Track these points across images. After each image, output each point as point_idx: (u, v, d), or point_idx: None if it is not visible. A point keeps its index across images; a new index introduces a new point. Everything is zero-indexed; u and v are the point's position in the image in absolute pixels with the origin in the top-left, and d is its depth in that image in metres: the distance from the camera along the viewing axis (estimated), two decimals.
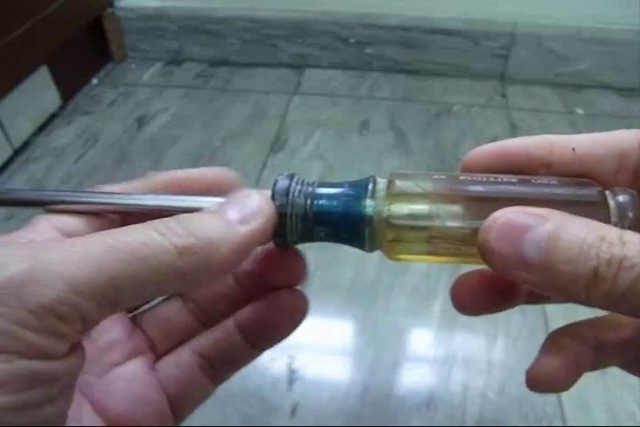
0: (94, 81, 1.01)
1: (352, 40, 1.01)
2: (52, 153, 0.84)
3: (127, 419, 0.21)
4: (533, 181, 0.20)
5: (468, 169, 0.22)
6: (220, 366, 0.23)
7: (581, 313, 0.21)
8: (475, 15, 0.97)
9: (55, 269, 0.14)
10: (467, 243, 0.19)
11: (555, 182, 0.20)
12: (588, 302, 0.16)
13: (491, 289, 0.22)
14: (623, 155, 0.20)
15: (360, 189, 0.20)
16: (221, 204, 0.19)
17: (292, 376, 0.55)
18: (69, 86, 0.95)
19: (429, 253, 0.20)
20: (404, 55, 1.01)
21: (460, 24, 0.97)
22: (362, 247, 0.21)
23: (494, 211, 0.18)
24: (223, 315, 0.23)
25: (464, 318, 0.50)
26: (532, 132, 0.21)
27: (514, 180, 0.20)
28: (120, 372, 0.21)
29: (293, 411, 0.53)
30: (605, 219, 0.18)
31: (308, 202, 0.20)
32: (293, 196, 0.20)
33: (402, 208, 0.20)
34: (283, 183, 0.21)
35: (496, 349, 0.58)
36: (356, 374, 0.56)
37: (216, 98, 0.96)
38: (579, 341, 0.22)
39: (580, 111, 0.93)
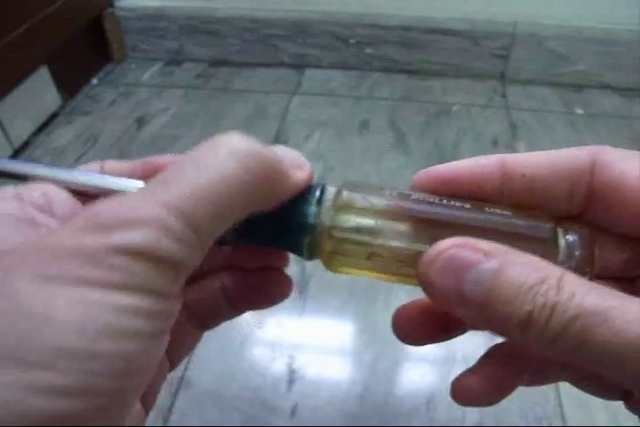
0: (94, 81, 1.01)
1: (352, 40, 1.01)
2: (52, 153, 0.84)
3: None
4: (487, 208, 0.20)
5: (417, 189, 0.21)
6: (205, 319, 0.24)
7: None
8: (475, 15, 0.97)
9: (167, 253, 0.15)
10: (408, 264, 0.19)
11: (507, 213, 0.19)
12: (523, 343, 0.16)
13: (433, 319, 0.22)
14: (575, 177, 0.20)
15: (307, 195, 0.20)
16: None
17: (292, 376, 0.55)
18: (69, 86, 0.95)
19: (369, 269, 0.20)
20: (404, 55, 1.01)
21: (460, 24, 0.97)
22: (300, 255, 0.20)
23: (440, 236, 0.18)
24: (208, 271, 0.24)
25: None
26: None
27: (466, 205, 0.20)
28: None
29: (293, 411, 0.53)
30: (553, 256, 0.18)
31: None
32: None
33: (346, 220, 0.19)
34: None
35: None
36: (355, 374, 0.56)
37: (216, 98, 0.96)
38: (510, 358, 0.21)
39: (579, 111, 0.93)
